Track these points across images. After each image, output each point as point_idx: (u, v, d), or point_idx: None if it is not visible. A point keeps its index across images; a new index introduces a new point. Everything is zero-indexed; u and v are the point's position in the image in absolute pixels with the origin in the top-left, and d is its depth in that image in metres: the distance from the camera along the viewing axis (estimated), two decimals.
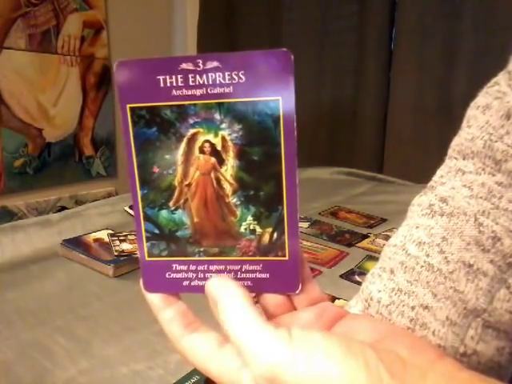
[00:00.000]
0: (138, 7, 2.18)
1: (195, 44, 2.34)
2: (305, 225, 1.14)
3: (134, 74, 0.25)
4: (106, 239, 0.92)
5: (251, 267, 0.27)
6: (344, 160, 2.04)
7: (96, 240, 0.92)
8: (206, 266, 0.28)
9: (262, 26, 2.22)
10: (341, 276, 0.83)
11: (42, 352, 0.58)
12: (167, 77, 0.25)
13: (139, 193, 0.27)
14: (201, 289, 0.27)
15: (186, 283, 0.28)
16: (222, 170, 0.26)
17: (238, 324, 0.23)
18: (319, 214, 1.24)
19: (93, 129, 2.03)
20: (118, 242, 0.90)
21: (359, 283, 0.81)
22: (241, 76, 0.24)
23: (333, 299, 0.73)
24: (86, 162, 2.01)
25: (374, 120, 1.96)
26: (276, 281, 0.27)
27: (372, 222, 1.19)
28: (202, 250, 0.28)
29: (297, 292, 0.27)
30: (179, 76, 0.25)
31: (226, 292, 0.24)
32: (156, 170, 0.27)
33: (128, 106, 0.26)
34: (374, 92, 1.95)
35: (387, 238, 1.04)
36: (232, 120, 0.25)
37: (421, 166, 1.87)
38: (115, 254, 0.85)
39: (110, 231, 0.96)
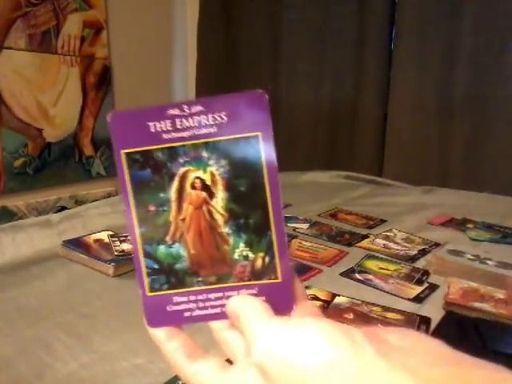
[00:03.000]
0: (138, 7, 2.18)
1: (195, 44, 2.34)
2: (304, 226, 1.14)
3: (126, 123, 0.28)
4: (107, 240, 0.92)
5: (248, 291, 0.29)
6: (344, 160, 2.05)
7: (96, 241, 0.92)
8: (205, 295, 0.29)
9: (262, 26, 2.22)
10: (341, 274, 0.84)
11: (43, 348, 0.58)
12: (157, 123, 0.28)
13: (137, 231, 0.29)
14: (202, 318, 0.29)
15: (187, 314, 0.29)
16: (213, 202, 0.29)
17: (250, 322, 0.26)
18: (318, 215, 1.24)
19: (93, 129, 2.04)
20: (118, 243, 0.90)
21: (359, 281, 0.81)
22: (223, 117, 0.28)
23: (333, 296, 0.74)
24: (85, 161, 2.01)
25: (373, 120, 1.96)
26: (272, 302, 0.28)
27: (372, 222, 1.19)
28: (200, 279, 0.29)
29: (291, 312, 0.29)
30: (167, 121, 0.28)
31: (246, 305, 0.27)
32: (152, 208, 0.29)
33: (122, 151, 0.28)
34: (374, 92, 1.95)
35: (387, 238, 1.04)
36: (218, 157, 0.28)
37: (421, 166, 1.87)
38: (115, 253, 0.85)
39: (111, 232, 0.96)
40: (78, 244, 0.89)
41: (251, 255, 0.29)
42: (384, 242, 1.02)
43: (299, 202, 1.36)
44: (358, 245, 1.00)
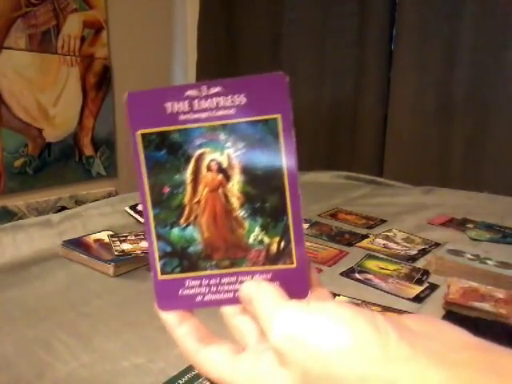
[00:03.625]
0: (138, 7, 2.18)
1: (195, 44, 2.34)
2: (304, 226, 1.14)
3: (142, 103, 0.27)
4: (107, 240, 0.92)
5: (262, 276, 0.28)
6: (344, 160, 2.05)
7: (96, 241, 0.92)
8: (218, 280, 0.29)
9: (262, 26, 2.22)
10: (341, 274, 0.84)
11: (43, 347, 0.58)
12: (174, 103, 0.27)
13: (151, 213, 0.28)
14: (214, 303, 0.29)
15: (199, 298, 0.29)
16: (229, 185, 0.28)
17: (265, 306, 0.25)
18: (318, 215, 1.24)
19: (93, 129, 2.04)
20: (118, 243, 0.90)
21: (359, 281, 0.81)
22: (242, 98, 0.27)
23: (333, 296, 0.74)
24: (85, 161, 2.01)
25: (374, 120, 1.96)
26: (286, 288, 0.27)
27: (371, 223, 1.19)
28: (213, 263, 0.29)
29: (306, 297, 0.28)
30: (185, 102, 0.27)
31: (260, 290, 0.26)
32: (166, 189, 0.28)
33: (138, 132, 0.27)
34: (374, 92, 1.95)
35: (387, 238, 1.04)
36: (236, 139, 0.27)
37: (421, 166, 1.87)
38: (115, 253, 0.85)
39: (111, 232, 0.96)
40: (78, 244, 0.89)
41: (267, 240, 0.28)
42: (384, 241, 1.02)
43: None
44: (358, 245, 1.00)
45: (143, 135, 0.28)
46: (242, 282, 0.28)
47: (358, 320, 0.22)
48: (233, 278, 0.29)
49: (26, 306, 0.70)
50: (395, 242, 1.02)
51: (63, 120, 1.93)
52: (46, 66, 1.84)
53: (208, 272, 0.29)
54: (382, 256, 0.93)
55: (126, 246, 0.88)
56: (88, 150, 2.01)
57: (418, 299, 0.74)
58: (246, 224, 0.28)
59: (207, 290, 0.29)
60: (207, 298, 0.29)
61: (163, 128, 0.27)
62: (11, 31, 1.73)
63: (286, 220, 0.28)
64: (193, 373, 0.51)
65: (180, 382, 0.50)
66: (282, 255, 0.28)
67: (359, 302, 0.72)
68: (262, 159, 0.28)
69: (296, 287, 0.28)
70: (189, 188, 0.28)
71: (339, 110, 2.09)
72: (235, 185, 0.28)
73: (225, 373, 0.26)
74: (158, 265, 0.29)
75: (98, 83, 2.05)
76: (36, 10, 1.78)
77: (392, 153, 1.94)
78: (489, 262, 0.85)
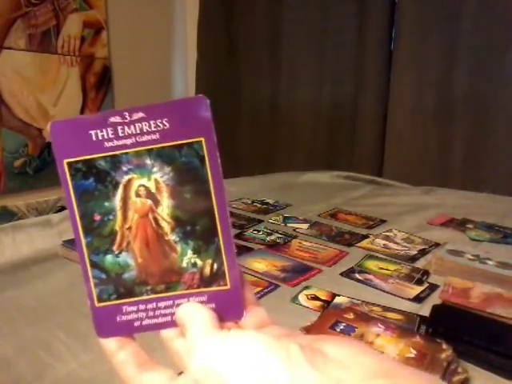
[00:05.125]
0: (138, 7, 2.18)
1: (195, 44, 2.34)
2: (304, 226, 1.14)
3: (67, 132, 0.27)
4: None
5: (197, 299, 0.29)
6: (344, 160, 2.05)
7: None
8: (154, 304, 0.29)
9: (262, 26, 2.22)
10: (341, 274, 0.84)
11: (43, 347, 0.58)
12: (98, 131, 0.27)
13: (83, 241, 0.29)
14: (152, 327, 0.29)
15: (137, 324, 0.29)
16: (159, 210, 0.28)
17: (192, 331, 0.26)
18: (318, 215, 1.24)
19: None
20: None
21: (359, 281, 0.81)
22: (165, 123, 0.27)
23: (333, 296, 0.74)
24: None
25: (373, 120, 1.96)
26: (221, 309, 0.28)
27: (371, 223, 1.19)
28: (149, 288, 0.29)
29: (242, 319, 0.28)
30: (109, 129, 0.27)
31: (193, 313, 0.27)
32: (97, 217, 0.28)
33: (65, 161, 0.28)
34: (374, 92, 1.95)
35: (387, 238, 1.04)
36: (162, 163, 0.28)
37: (421, 165, 1.87)
38: None
39: None
40: None
41: (199, 262, 0.28)
42: (384, 242, 1.02)
43: (299, 202, 1.36)
44: (358, 245, 1.00)
45: (69, 164, 0.28)
46: (178, 305, 0.28)
47: (271, 348, 0.23)
48: (169, 302, 0.29)
49: (25, 306, 0.70)
50: (395, 242, 1.02)
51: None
52: (46, 65, 1.84)
53: (144, 297, 0.29)
54: (382, 256, 0.93)
55: None
56: None
57: (418, 299, 0.74)
58: (178, 248, 0.28)
59: (145, 314, 0.29)
60: (145, 322, 0.29)
61: (89, 156, 0.27)
62: (11, 31, 1.73)
63: (217, 242, 0.28)
64: None
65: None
66: (215, 277, 0.29)
67: (359, 302, 0.72)
68: (189, 183, 0.28)
69: (231, 308, 0.28)
70: (119, 215, 0.28)
71: (339, 109, 2.09)
72: (165, 209, 0.28)
73: None
74: (95, 292, 0.29)
75: (98, 83, 2.05)
76: (36, 10, 1.78)
77: (392, 153, 1.94)
78: (489, 262, 0.85)
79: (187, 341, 0.26)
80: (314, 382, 0.21)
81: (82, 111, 1.99)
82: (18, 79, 1.77)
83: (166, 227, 0.28)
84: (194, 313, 0.27)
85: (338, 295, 0.74)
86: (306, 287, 0.77)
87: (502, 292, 0.73)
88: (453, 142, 1.79)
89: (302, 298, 0.73)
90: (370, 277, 0.82)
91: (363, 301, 0.72)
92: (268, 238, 1.03)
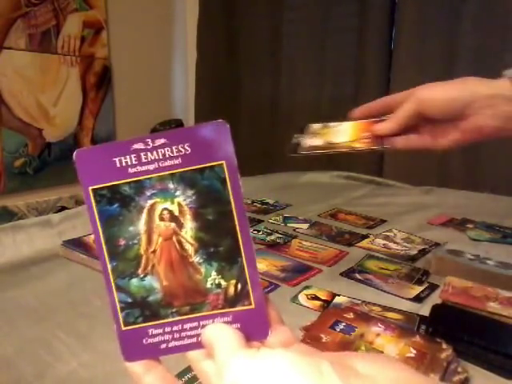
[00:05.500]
0: (137, 7, 2.18)
1: (195, 44, 2.34)
2: (304, 226, 1.14)
3: (92, 159, 0.29)
4: None
5: (222, 319, 0.29)
6: (344, 160, 2.05)
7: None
8: (180, 326, 0.29)
9: (262, 26, 2.22)
10: (341, 274, 0.84)
11: (43, 347, 0.58)
12: (122, 158, 0.28)
13: (109, 266, 0.30)
14: (179, 349, 0.29)
15: (163, 346, 0.29)
16: (182, 232, 0.29)
17: (220, 351, 0.26)
18: (318, 215, 1.24)
19: (93, 129, 2.04)
20: None
21: (360, 281, 0.81)
22: (187, 148, 0.28)
23: (333, 296, 0.74)
24: None
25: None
26: (246, 329, 0.29)
27: (371, 223, 1.19)
28: (174, 310, 0.29)
29: (267, 338, 0.29)
30: (133, 155, 0.28)
31: (219, 334, 0.27)
32: (122, 242, 0.29)
33: (90, 188, 0.29)
34: (374, 92, 1.95)
35: (387, 238, 1.04)
36: (185, 187, 0.29)
37: (421, 166, 1.87)
38: None
39: None
40: (77, 244, 0.89)
41: (224, 283, 0.29)
42: (384, 242, 1.02)
43: (299, 202, 1.36)
44: (357, 245, 1.00)
45: (94, 190, 0.29)
46: (203, 326, 0.29)
47: (302, 367, 0.23)
48: (195, 323, 0.29)
49: (25, 305, 0.70)
50: (395, 242, 1.02)
51: (63, 120, 1.93)
52: (46, 65, 1.85)
53: (170, 319, 0.29)
54: (382, 256, 0.93)
55: None
56: None
57: (418, 299, 0.74)
58: (202, 269, 0.29)
59: (170, 337, 0.29)
60: (171, 344, 0.29)
61: (113, 182, 0.29)
62: (11, 31, 1.73)
63: (240, 262, 0.29)
64: (193, 372, 0.51)
65: (179, 382, 0.50)
66: (239, 297, 0.29)
67: (359, 302, 0.72)
68: (212, 205, 0.29)
69: (256, 328, 0.29)
70: (144, 238, 0.29)
71: (339, 109, 2.09)
72: (188, 232, 0.29)
73: None
74: (121, 316, 0.30)
75: (98, 83, 2.05)
76: (36, 10, 1.79)
77: (392, 153, 1.94)
78: (489, 261, 0.85)
79: (216, 361, 0.26)
80: None
81: (82, 111, 1.99)
82: (18, 79, 1.77)
83: (190, 249, 0.29)
84: (220, 333, 0.28)
85: (338, 295, 0.74)
86: (306, 287, 0.77)
87: (502, 292, 0.73)
88: None
89: (301, 298, 0.73)
90: (370, 277, 0.82)
91: (363, 301, 0.72)
92: (268, 238, 1.03)
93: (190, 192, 0.29)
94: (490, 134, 0.48)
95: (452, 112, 0.46)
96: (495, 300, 0.71)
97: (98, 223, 0.29)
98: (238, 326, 0.29)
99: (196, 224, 0.29)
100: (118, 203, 0.29)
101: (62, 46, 1.89)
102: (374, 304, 0.71)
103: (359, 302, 0.72)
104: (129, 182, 0.29)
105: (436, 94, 0.49)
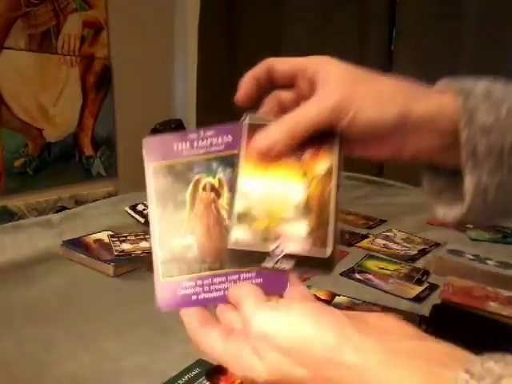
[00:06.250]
0: (138, 7, 2.18)
1: (195, 44, 2.34)
2: None
3: (156, 145, 0.36)
4: (107, 240, 0.92)
5: (247, 275, 0.33)
6: (344, 160, 2.04)
7: (96, 241, 0.92)
8: (210, 280, 0.34)
9: (262, 26, 2.22)
10: (341, 274, 0.84)
11: (42, 347, 0.58)
12: (179, 143, 0.36)
13: (157, 225, 0.35)
14: (208, 301, 0.33)
15: (194, 297, 0.34)
16: (220, 201, 0.35)
17: (244, 305, 0.30)
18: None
19: (93, 129, 2.04)
20: (118, 243, 0.90)
21: (360, 281, 0.81)
22: (229, 138, 0.36)
23: (333, 296, 0.74)
24: (85, 161, 2.01)
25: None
26: (268, 283, 0.33)
27: (371, 223, 1.19)
28: (206, 266, 0.34)
29: (286, 291, 0.33)
30: (187, 142, 0.36)
31: (242, 291, 0.32)
32: (171, 206, 0.35)
33: (151, 164, 0.36)
34: None
35: (387, 238, 1.04)
36: (225, 166, 0.35)
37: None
38: (115, 253, 0.85)
39: (111, 232, 0.96)
40: (78, 244, 0.89)
41: None
42: (384, 242, 1.02)
43: None
44: (357, 245, 1.00)
45: (155, 166, 0.36)
46: (231, 281, 0.33)
47: (319, 315, 0.27)
48: (223, 278, 0.34)
49: (25, 305, 0.70)
50: (395, 242, 1.02)
51: (63, 120, 1.93)
52: (46, 65, 1.85)
53: (202, 273, 0.34)
54: (382, 256, 0.93)
55: (125, 246, 0.88)
56: (88, 150, 2.01)
57: (418, 299, 0.74)
58: None
59: (201, 289, 0.34)
60: (201, 296, 0.33)
61: (170, 161, 0.36)
62: (11, 31, 1.73)
63: None
64: (193, 373, 0.51)
65: (180, 382, 0.50)
66: None
67: (359, 302, 0.72)
68: None
69: (276, 282, 0.33)
70: (188, 205, 0.35)
71: None
72: (225, 200, 0.35)
73: (217, 350, 0.30)
74: (160, 268, 0.34)
75: (98, 83, 2.05)
76: (36, 10, 1.79)
77: None
78: (489, 262, 0.85)
79: (242, 315, 0.30)
80: (358, 340, 0.25)
81: (82, 111, 1.99)
82: (18, 79, 1.77)
83: (225, 214, 0.34)
84: (242, 290, 0.32)
85: (338, 295, 0.74)
86: (306, 287, 0.77)
87: (502, 292, 0.73)
88: None
89: None
90: (370, 277, 0.82)
91: (363, 301, 0.72)
92: None
93: (228, 170, 0.35)
94: (426, 157, 0.38)
95: (375, 134, 0.35)
96: (495, 300, 0.71)
97: (153, 192, 0.35)
98: (260, 280, 0.33)
99: (231, 196, 0.34)
100: (171, 177, 0.35)
101: (62, 45, 1.89)
102: (374, 304, 0.71)
103: (359, 302, 0.72)
104: (182, 162, 0.35)
105: (354, 113, 0.33)
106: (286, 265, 0.32)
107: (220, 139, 0.36)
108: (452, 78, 0.40)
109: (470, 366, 0.22)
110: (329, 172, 0.34)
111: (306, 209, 0.33)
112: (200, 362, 0.52)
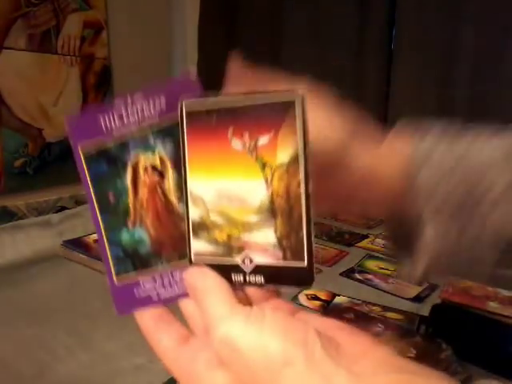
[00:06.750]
0: (137, 7, 2.18)
1: (195, 44, 2.34)
2: None
3: (80, 122, 0.31)
4: None
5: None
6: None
7: (96, 241, 0.92)
8: (169, 275, 0.30)
9: (262, 26, 2.22)
10: (341, 274, 0.84)
11: (42, 347, 0.58)
12: (106, 118, 0.30)
13: (101, 221, 0.31)
14: (170, 299, 0.30)
15: (155, 298, 0.30)
16: (165, 183, 0.30)
17: (211, 304, 0.26)
18: (318, 215, 1.24)
19: None
20: None
21: (359, 281, 0.81)
22: (162, 100, 0.29)
23: (333, 296, 0.74)
24: None
25: (374, 120, 1.96)
26: None
27: (372, 222, 1.19)
28: (163, 259, 0.30)
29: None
30: (115, 115, 0.30)
31: (207, 281, 0.27)
32: (111, 197, 0.30)
33: (79, 148, 0.31)
34: (374, 92, 1.95)
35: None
36: (163, 141, 0.30)
37: None
38: None
39: None
40: (78, 244, 0.89)
41: None
42: (384, 241, 1.02)
43: None
44: (357, 245, 1.00)
45: (84, 152, 0.31)
46: None
47: (289, 335, 0.24)
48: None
49: (25, 305, 0.70)
50: None
51: (63, 120, 1.93)
52: (46, 66, 1.84)
53: (160, 269, 0.30)
54: (382, 256, 0.93)
55: None
56: None
57: (418, 299, 0.74)
58: None
59: (162, 287, 0.30)
60: (163, 295, 0.30)
61: (100, 142, 0.30)
62: (11, 31, 1.73)
63: None
64: None
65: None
66: None
67: (359, 302, 0.72)
68: None
69: None
70: (130, 192, 0.30)
71: None
72: (171, 182, 0.30)
73: (168, 359, 0.27)
74: (113, 270, 0.31)
75: (98, 83, 2.05)
76: (36, 10, 1.79)
77: None
78: None
79: (205, 311, 0.26)
80: (329, 370, 0.22)
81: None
82: (18, 79, 1.77)
83: (174, 199, 0.30)
84: (210, 283, 0.27)
85: (338, 295, 0.74)
86: None
87: (502, 291, 0.73)
88: None
89: (302, 298, 0.73)
90: (370, 277, 0.82)
91: (363, 301, 0.72)
92: None
93: (168, 145, 0.30)
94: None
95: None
96: (495, 300, 0.71)
97: (89, 182, 0.31)
98: None
99: (177, 174, 0.29)
100: (105, 161, 0.30)
101: (62, 45, 1.89)
102: (374, 304, 0.71)
103: (359, 302, 0.72)
104: (114, 141, 0.30)
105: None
106: (259, 278, 0.27)
107: (152, 105, 0.29)
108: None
109: None
110: (294, 159, 0.26)
111: (271, 210, 0.27)
112: None
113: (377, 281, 0.81)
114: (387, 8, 1.88)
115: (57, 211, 1.23)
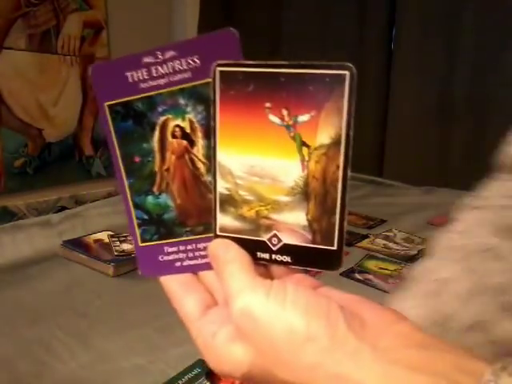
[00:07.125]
0: (138, 7, 2.18)
1: None
2: None
3: (106, 75, 0.28)
4: (107, 240, 0.92)
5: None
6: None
7: (96, 241, 0.92)
8: (194, 245, 0.29)
9: (262, 26, 2.22)
10: (341, 274, 0.84)
11: (42, 347, 0.58)
12: (134, 72, 0.27)
13: (126, 183, 0.29)
14: (192, 267, 0.29)
15: (178, 264, 0.29)
16: (194, 150, 0.28)
17: (231, 275, 0.25)
18: None
19: (93, 129, 2.03)
20: (118, 243, 0.90)
21: (360, 281, 0.81)
22: (196, 60, 0.27)
23: None
24: (85, 162, 2.01)
25: (374, 120, 1.96)
26: None
27: (371, 223, 1.19)
28: (188, 229, 0.29)
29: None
30: (144, 70, 0.27)
31: (229, 253, 0.26)
32: (137, 159, 0.29)
33: (105, 104, 0.28)
34: (374, 92, 1.95)
35: (387, 238, 1.04)
36: (195, 102, 0.27)
37: (421, 166, 1.87)
38: (115, 253, 0.85)
39: (111, 232, 0.96)
40: (77, 244, 0.89)
41: None
42: (384, 241, 1.02)
43: None
44: (358, 245, 1.00)
45: (110, 106, 0.28)
46: None
47: (312, 310, 0.23)
48: (208, 243, 0.28)
49: (25, 306, 0.70)
50: (395, 242, 1.02)
51: (63, 120, 1.93)
52: (46, 66, 1.84)
53: (184, 238, 0.29)
54: (382, 256, 0.93)
55: (125, 246, 0.88)
56: (88, 150, 2.01)
57: None
58: None
59: (185, 255, 0.29)
60: (185, 263, 0.29)
61: (127, 98, 0.28)
62: (11, 31, 1.73)
63: None
64: (192, 373, 0.51)
65: (180, 382, 0.50)
66: None
67: None
68: None
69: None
70: (157, 156, 0.28)
71: None
72: (200, 150, 0.28)
73: (190, 325, 0.27)
74: (138, 233, 0.30)
75: None
76: (36, 10, 1.78)
77: (392, 153, 1.94)
78: None
79: (225, 282, 0.25)
80: (352, 346, 0.22)
81: (82, 111, 1.99)
82: (18, 79, 1.77)
83: (202, 168, 0.28)
84: (232, 255, 0.26)
85: None
86: None
87: None
88: (453, 142, 1.79)
89: None
90: (370, 277, 0.82)
91: None
92: None
93: (200, 108, 0.27)
94: None
95: None
96: None
97: (115, 140, 0.28)
98: None
99: (207, 142, 0.27)
100: (132, 119, 0.28)
101: (61, 45, 1.88)
102: None
103: None
104: (141, 98, 0.28)
105: None
106: (286, 257, 0.26)
107: (184, 63, 0.27)
108: None
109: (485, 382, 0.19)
110: (335, 142, 0.25)
111: (304, 192, 0.25)
112: (200, 362, 0.52)
113: (377, 281, 0.81)
114: (387, 8, 1.89)
115: (57, 211, 1.24)
